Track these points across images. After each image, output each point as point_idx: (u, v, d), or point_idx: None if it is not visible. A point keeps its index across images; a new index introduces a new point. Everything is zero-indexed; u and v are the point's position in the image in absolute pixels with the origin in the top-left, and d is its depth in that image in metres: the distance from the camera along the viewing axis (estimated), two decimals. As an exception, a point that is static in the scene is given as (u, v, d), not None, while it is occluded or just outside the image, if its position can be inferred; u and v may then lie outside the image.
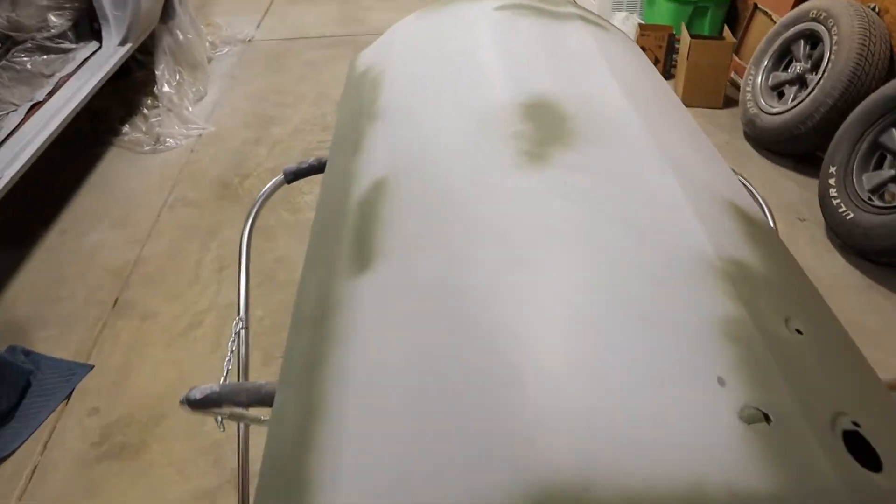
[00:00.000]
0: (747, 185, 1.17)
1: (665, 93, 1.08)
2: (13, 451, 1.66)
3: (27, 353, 1.89)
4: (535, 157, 0.78)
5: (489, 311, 0.58)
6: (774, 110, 2.75)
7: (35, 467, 1.63)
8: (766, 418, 0.48)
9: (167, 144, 2.98)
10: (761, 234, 0.73)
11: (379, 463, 0.50)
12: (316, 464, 0.53)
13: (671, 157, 0.79)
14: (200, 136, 3.06)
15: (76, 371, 1.86)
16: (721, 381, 0.50)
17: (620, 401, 0.49)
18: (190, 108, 3.19)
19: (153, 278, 2.21)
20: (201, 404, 0.78)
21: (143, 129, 3.05)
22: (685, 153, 0.83)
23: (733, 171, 1.15)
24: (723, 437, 0.46)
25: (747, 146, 2.92)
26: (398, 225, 0.74)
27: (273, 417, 0.65)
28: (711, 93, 3.20)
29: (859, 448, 0.49)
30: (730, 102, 3.24)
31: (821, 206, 2.34)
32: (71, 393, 1.80)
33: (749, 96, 2.93)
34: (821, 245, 2.31)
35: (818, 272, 2.19)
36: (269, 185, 1.19)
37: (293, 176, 1.17)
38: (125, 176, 2.79)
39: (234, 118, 3.22)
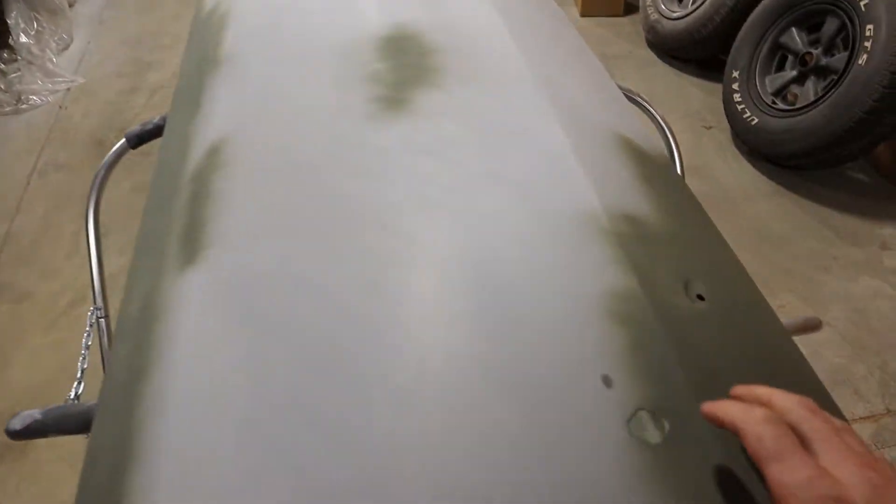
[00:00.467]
0: (648, 106, 1.08)
1: (550, 13, 0.96)
2: None
3: None
4: (393, 103, 0.66)
5: (335, 312, 0.47)
6: (675, 15, 2.67)
7: None
8: (659, 423, 0.39)
9: (31, 103, 2.68)
10: (658, 173, 0.63)
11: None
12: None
13: (554, 91, 0.68)
14: (69, 89, 2.77)
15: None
16: (607, 381, 0.41)
17: (481, 422, 0.39)
18: (54, 60, 2.88)
19: (26, 255, 2.00)
20: (24, 434, 0.65)
21: (2, 86, 2.73)
22: (571, 85, 0.72)
23: (630, 94, 1.06)
24: (608, 456, 0.37)
25: (651, 54, 2.85)
26: (232, 203, 0.61)
27: (87, 454, 0.53)
28: (610, 1, 3.09)
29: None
30: (631, 9, 3.14)
31: (725, 112, 2.30)
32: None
33: (649, 2, 2.84)
34: (728, 153, 2.28)
35: (726, 181, 2.16)
36: (110, 153, 1.02)
37: (137, 140, 1.01)
38: (-14, 141, 2.50)
39: (105, 67, 2.93)
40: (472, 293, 0.47)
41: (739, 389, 0.39)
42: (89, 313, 0.99)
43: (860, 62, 1.81)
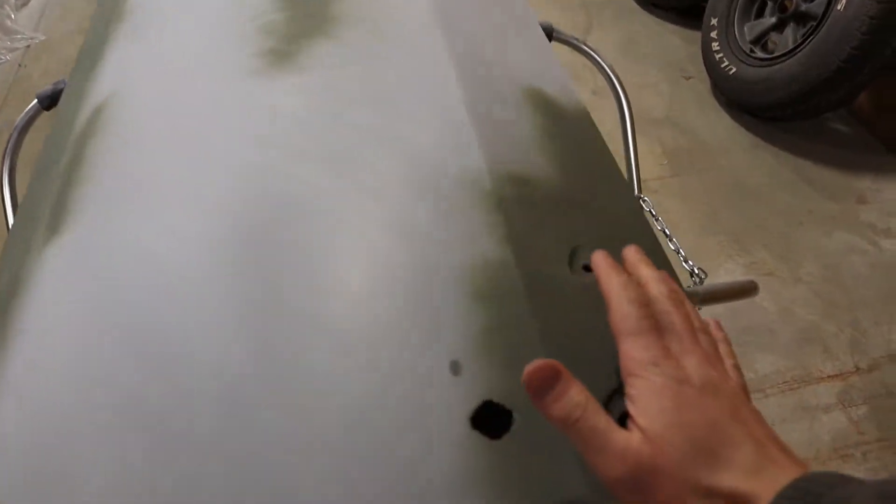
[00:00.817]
0: (595, 56, 1.01)
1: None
2: None
3: None
4: (280, 56, 0.60)
5: (174, 292, 0.43)
6: (656, -40, 2.57)
7: None
8: (509, 418, 0.35)
9: (-10, 61, 2.59)
10: (570, 129, 0.58)
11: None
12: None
13: (459, 42, 0.62)
14: (29, 47, 2.68)
15: None
16: (455, 368, 0.36)
17: (321, 408, 0.35)
18: (13, 16, 2.78)
19: (-18, 221, 1.94)
20: None
21: (-40, 45, 2.64)
22: (483, 36, 0.66)
23: (575, 42, 1.00)
24: (443, 454, 0.33)
25: (631, 2, 2.75)
26: (101, 170, 0.56)
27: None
28: (592, -54, 2.96)
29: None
30: (612, -44, 3.01)
31: (704, 61, 2.22)
32: None
33: (630, -53, 2.73)
34: (707, 103, 2.21)
35: (704, 133, 2.09)
36: (21, 116, 0.96)
37: (50, 101, 0.94)
38: (-58, 103, 2.42)
39: (67, 23, 2.82)
40: (333, 260, 0.42)
41: (631, 255, 0.40)
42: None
43: (839, 7, 1.73)
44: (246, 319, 0.40)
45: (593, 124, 0.61)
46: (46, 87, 0.96)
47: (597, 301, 0.42)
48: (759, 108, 2.05)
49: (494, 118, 0.53)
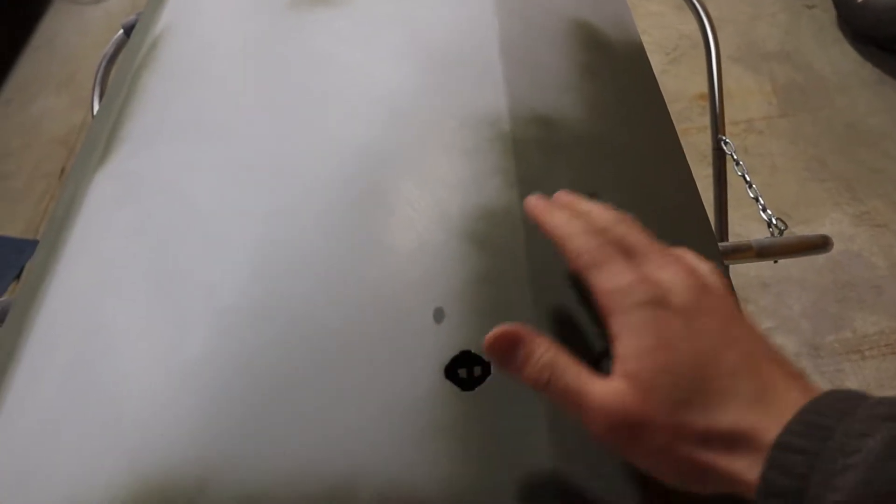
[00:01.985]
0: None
1: None
2: (-32, 336, 1.64)
3: (-27, 235, 1.83)
4: (321, -12, 0.59)
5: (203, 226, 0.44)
6: None
7: (-10, 352, 1.61)
8: (485, 369, 0.34)
9: (111, -9, 2.72)
10: (615, 66, 0.55)
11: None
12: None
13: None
14: (145, -24, 2.79)
15: (24, 249, 1.79)
16: (438, 315, 0.36)
17: (295, 345, 0.35)
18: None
19: (99, 143, 2.08)
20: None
21: (84, -26, 2.78)
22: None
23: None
24: (411, 401, 0.33)
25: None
26: (150, 100, 0.58)
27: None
28: None
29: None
30: None
31: (831, -12, 2.02)
32: (20, 272, 1.75)
33: None
34: (829, 35, 2.02)
35: (822, 68, 1.92)
36: (109, 45, 1.01)
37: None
38: (68, 32, 2.57)
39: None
40: (347, 186, 0.42)
41: (564, 197, 0.37)
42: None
43: None
44: (264, 263, 0.41)
45: (646, 62, 0.57)
46: (131, 16, 1.01)
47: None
48: (888, 40, 1.85)
49: (528, 54, 0.51)
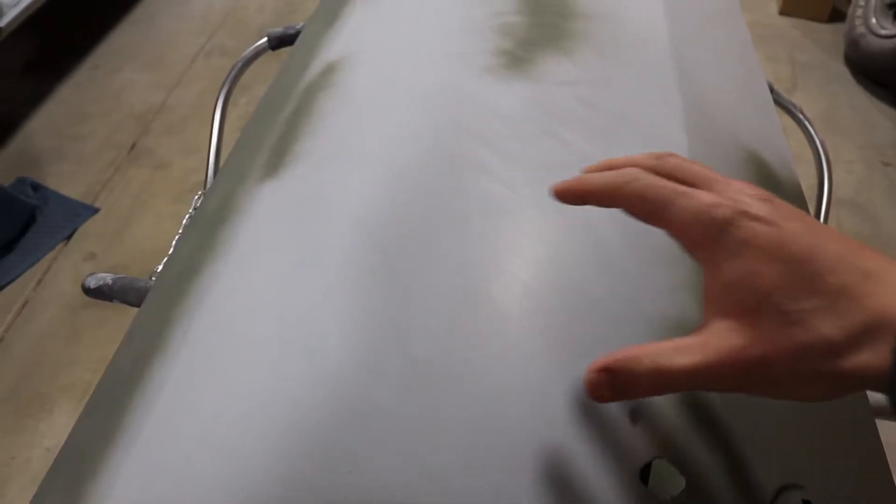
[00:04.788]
0: (808, 125, 0.97)
1: (725, 4, 0.87)
2: (8, 283, 1.66)
3: (36, 187, 1.85)
4: (515, 60, 0.61)
5: (382, 252, 0.45)
6: (885, 32, 2.39)
7: (25, 303, 1.62)
8: (676, 481, 0.35)
9: (216, -15, 2.81)
10: (781, 198, 0.56)
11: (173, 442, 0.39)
12: (126, 422, 0.42)
13: (692, 87, 0.61)
14: (252, -21, 2.88)
15: (81, 212, 1.82)
16: (635, 416, 0.36)
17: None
18: (246, -51, 2.99)
19: (174, 127, 2.12)
20: (95, 294, 0.69)
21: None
22: (716, 84, 0.65)
23: (792, 108, 0.95)
24: (601, 496, 0.33)
25: (845, 70, 2.58)
26: (328, 123, 0.60)
27: (127, 332, 0.54)
28: (816, 2, 2.81)
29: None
30: (836, 16, 2.84)
31: (911, 152, 2.06)
32: (72, 234, 1.77)
33: (860, 12, 2.56)
34: (899, 197, 2.05)
35: (889, 225, 1.95)
36: (249, 50, 1.04)
37: (278, 42, 1.02)
38: (167, 14, 2.65)
39: (290, -35, 3.01)
40: (532, 281, 0.43)
41: (592, 167, 0.35)
42: (196, 197, 1.02)
43: None
44: (429, 301, 0.42)
45: (805, 202, 0.59)
46: (278, 28, 1.04)
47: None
48: (959, 216, 1.88)
49: (713, 176, 0.52)
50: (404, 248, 0.45)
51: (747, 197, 0.29)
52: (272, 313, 0.43)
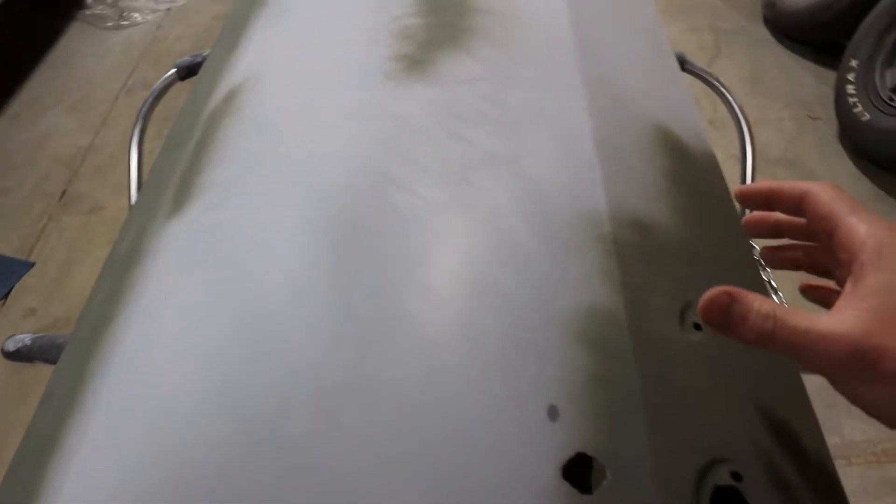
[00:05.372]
0: (726, 93, 0.98)
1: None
2: (-54, 352, 1.59)
3: (-35, 248, 1.79)
4: (414, 63, 0.61)
5: (285, 289, 0.44)
6: (798, -8, 2.45)
7: (-33, 370, 1.56)
8: (601, 473, 0.34)
9: (133, 19, 2.75)
10: (696, 175, 0.56)
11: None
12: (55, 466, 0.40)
13: (594, 70, 0.61)
14: (169, 9, 2.83)
15: (16, 269, 1.76)
16: (553, 413, 0.36)
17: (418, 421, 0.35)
18: (159, -21, 2.94)
19: (104, 168, 2.07)
20: (15, 357, 0.66)
21: (109, 0, 2.82)
22: (620, 65, 0.65)
23: (707, 77, 0.97)
24: (529, 500, 0.33)
25: (766, 33, 2.63)
26: (233, 151, 0.58)
27: (44, 392, 0.52)
28: (731, -30, 2.86)
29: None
30: (752, -19, 2.90)
31: (835, 104, 2.10)
32: (9, 292, 1.71)
33: (772, -25, 2.62)
34: (830, 148, 2.10)
35: (822, 178, 1.99)
36: (158, 83, 1.01)
37: (187, 71, 0.99)
38: (86, 54, 2.59)
39: (206, -10, 2.97)
40: (438, 276, 0.42)
41: (763, 184, 0.40)
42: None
43: None
44: (346, 324, 0.41)
45: (720, 173, 0.59)
46: (185, 57, 1.02)
47: (708, 365, 0.41)
48: (887, 160, 1.93)
49: (622, 157, 0.52)
50: (319, 273, 0.44)
51: None
52: (185, 360, 0.42)
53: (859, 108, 1.99)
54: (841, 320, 0.29)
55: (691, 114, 0.64)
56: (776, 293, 0.71)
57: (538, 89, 0.57)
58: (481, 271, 0.42)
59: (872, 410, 0.30)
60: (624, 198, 0.48)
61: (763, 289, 0.50)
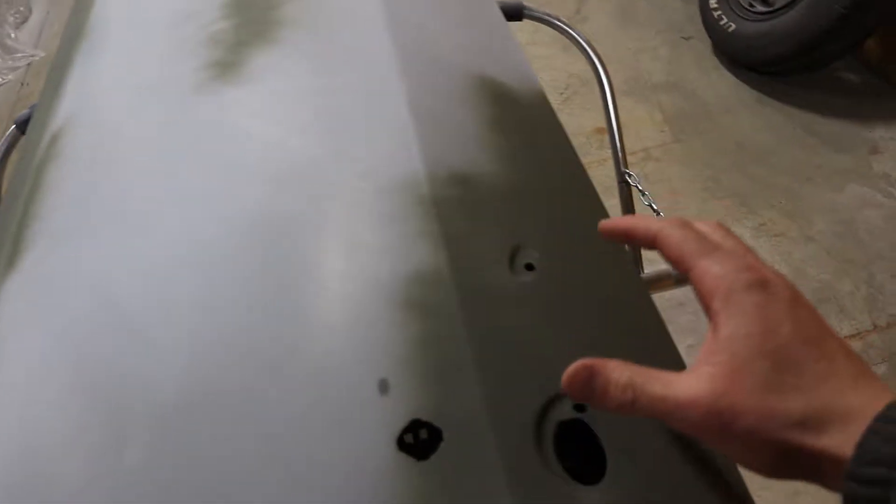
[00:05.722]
0: (572, 32, 0.99)
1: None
2: None
3: None
4: (224, 68, 0.59)
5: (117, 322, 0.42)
6: (648, -80, 2.50)
7: None
8: (438, 436, 0.34)
9: (-7, 82, 2.63)
10: (521, 117, 0.56)
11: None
12: None
13: (406, 35, 0.60)
14: (30, 64, 2.70)
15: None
16: (384, 386, 0.35)
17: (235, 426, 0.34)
18: (13, 35, 2.80)
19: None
20: None
21: (-37, 68, 2.68)
22: (431, 20, 0.65)
23: (548, 19, 0.97)
24: (368, 483, 0.32)
25: (628, -35, 2.69)
26: (59, 195, 0.55)
27: None
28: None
29: (582, 447, 0.35)
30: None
31: (703, 21, 2.16)
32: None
33: None
34: (707, 64, 2.16)
35: (705, 94, 2.05)
36: (1, 141, 0.96)
37: (27, 125, 0.95)
38: (-51, 125, 2.46)
39: (65, 37, 2.85)
40: (275, 266, 0.42)
41: (621, 225, 0.38)
42: None
43: (836, -47, 1.68)
44: (198, 354, 0.40)
45: (550, 110, 0.60)
46: (25, 111, 0.97)
47: (544, 303, 0.41)
48: (761, 64, 2.00)
49: (437, 115, 0.52)
50: (140, 306, 0.43)
51: (773, 273, 0.31)
52: (26, 416, 0.40)
53: (725, 21, 2.04)
54: (696, 381, 0.29)
55: (517, 59, 0.65)
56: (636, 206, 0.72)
57: (349, 66, 0.57)
58: (298, 252, 0.42)
59: (744, 465, 0.29)
60: (441, 156, 0.48)
61: (604, 213, 0.50)
